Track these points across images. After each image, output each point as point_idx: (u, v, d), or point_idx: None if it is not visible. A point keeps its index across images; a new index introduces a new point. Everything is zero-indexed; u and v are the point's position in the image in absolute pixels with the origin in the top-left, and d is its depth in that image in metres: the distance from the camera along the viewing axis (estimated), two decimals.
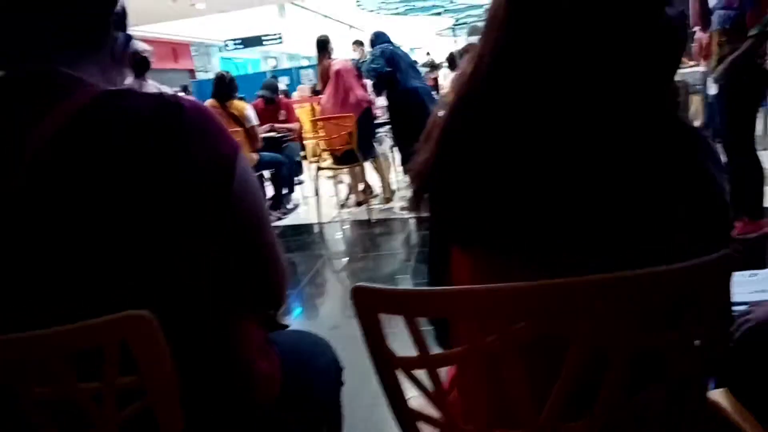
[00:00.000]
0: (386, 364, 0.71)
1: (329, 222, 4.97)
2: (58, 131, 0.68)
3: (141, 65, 3.62)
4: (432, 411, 0.72)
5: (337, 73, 4.83)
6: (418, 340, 0.67)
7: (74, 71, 0.74)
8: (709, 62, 3.10)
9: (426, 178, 0.80)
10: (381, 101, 5.07)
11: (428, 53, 4.97)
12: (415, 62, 5.03)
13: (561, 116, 0.68)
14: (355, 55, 6.17)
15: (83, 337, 0.70)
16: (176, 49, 18.36)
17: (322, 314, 3.12)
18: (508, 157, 0.71)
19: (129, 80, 0.80)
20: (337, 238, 4.65)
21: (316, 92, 7.59)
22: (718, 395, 0.92)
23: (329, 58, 5.36)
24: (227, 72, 5.14)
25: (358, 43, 6.31)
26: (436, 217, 0.81)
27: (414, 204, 0.83)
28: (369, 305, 0.68)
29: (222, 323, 0.83)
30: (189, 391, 0.76)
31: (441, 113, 0.81)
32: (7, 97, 0.73)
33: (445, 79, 7.51)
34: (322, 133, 4.75)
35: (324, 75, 5.23)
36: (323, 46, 5.40)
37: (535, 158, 0.69)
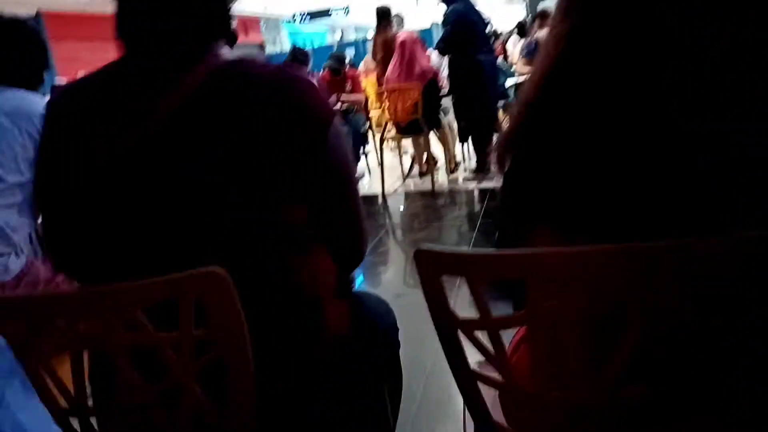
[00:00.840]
0: (448, 326, 0.72)
1: (393, 192, 4.99)
2: (201, 83, 0.85)
3: (232, 39, 3.79)
4: (493, 374, 0.73)
5: (402, 43, 4.79)
6: (480, 302, 0.68)
7: None
8: None
9: (518, 148, 0.78)
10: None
11: (488, 23, 4.79)
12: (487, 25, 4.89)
13: (636, 113, 0.66)
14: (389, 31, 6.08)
15: (161, 290, 0.75)
16: (246, 24, 18.68)
17: (385, 283, 3.16)
18: (589, 147, 0.68)
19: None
20: (400, 208, 4.67)
21: (351, 65, 7.49)
22: None
23: (391, 28, 5.32)
24: (298, 47, 5.24)
25: (396, 16, 6.22)
26: (518, 191, 0.78)
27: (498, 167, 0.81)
28: (431, 268, 0.69)
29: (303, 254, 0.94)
30: (266, 317, 0.88)
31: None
32: (158, 66, 0.90)
33: (515, 47, 7.29)
34: (386, 104, 4.74)
35: (384, 46, 5.18)
36: (384, 15, 5.35)
37: (611, 153, 0.66)
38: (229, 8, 0.96)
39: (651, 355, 0.63)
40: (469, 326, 0.70)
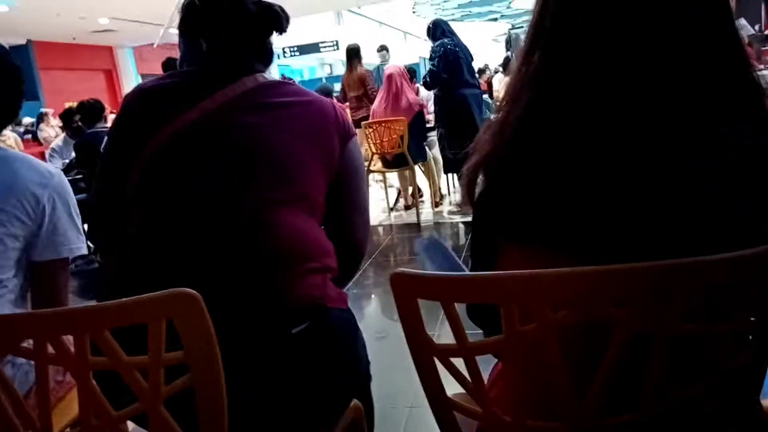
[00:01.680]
0: (423, 352, 0.70)
1: (378, 225, 4.98)
2: (242, 92, 1.07)
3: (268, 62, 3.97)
4: (472, 404, 0.71)
5: (390, 77, 4.86)
6: (456, 328, 0.67)
7: None
8: None
9: (486, 172, 0.78)
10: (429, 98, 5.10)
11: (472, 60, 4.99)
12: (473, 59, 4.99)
13: (630, 117, 0.66)
14: (378, 61, 6.33)
15: (132, 312, 0.73)
16: None
17: (369, 315, 3.12)
18: (579, 157, 0.68)
19: None
20: (385, 241, 4.65)
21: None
22: None
23: (361, 65, 5.58)
24: (286, 76, 5.27)
25: (382, 48, 6.46)
26: (493, 212, 0.77)
27: (467, 197, 0.82)
28: (408, 291, 0.68)
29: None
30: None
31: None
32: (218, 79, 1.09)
33: (500, 83, 7.43)
34: (373, 137, 4.77)
35: (360, 83, 5.36)
36: (354, 54, 5.58)
37: (606, 159, 0.66)
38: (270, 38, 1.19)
39: (634, 381, 0.62)
40: (444, 353, 0.69)
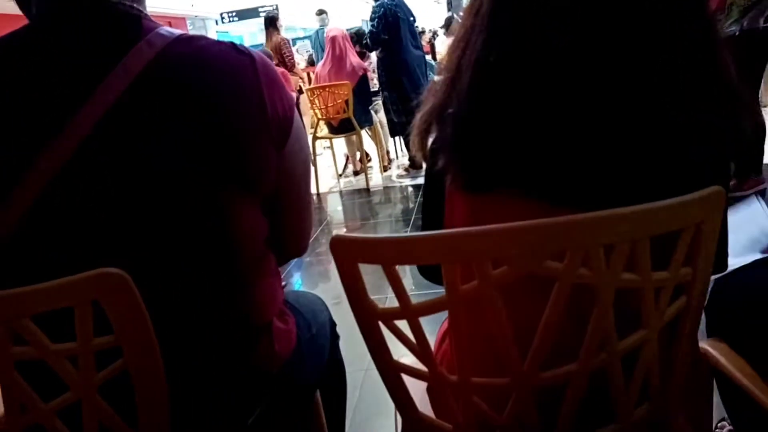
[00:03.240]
0: (367, 316, 0.69)
1: (328, 192, 4.94)
2: (147, 64, 0.75)
3: None
4: (419, 366, 0.70)
5: (333, 39, 4.75)
6: (398, 290, 0.65)
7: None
8: (720, 18, 2.98)
9: (439, 120, 0.75)
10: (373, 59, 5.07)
11: (414, 19, 4.95)
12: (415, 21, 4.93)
13: (583, 65, 0.64)
14: (317, 24, 6.32)
15: (54, 296, 0.68)
16: (172, 23, 18.11)
17: (322, 281, 3.11)
18: (536, 103, 0.65)
19: None
20: (336, 207, 4.62)
21: (311, 62, 7.51)
22: (711, 344, 0.90)
23: (278, 34, 5.61)
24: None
25: (321, 12, 6.43)
26: (446, 163, 0.74)
27: (420, 148, 0.80)
28: (347, 255, 0.66)
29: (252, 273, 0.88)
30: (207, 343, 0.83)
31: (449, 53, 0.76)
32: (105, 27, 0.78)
33: (443, 45, 7.38)
34: (318, 102, 4.68)
35: (275, 52, 5.40)
36: (270, 22, 5.60)
37: (560, 106, 0.64)
38: None
39: (575, 334, 0.62)
40: (387, 316, 0.67)
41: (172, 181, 0.75)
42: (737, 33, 2.80)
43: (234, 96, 0.78)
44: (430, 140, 0.77)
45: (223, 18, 17.51)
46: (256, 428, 0.92)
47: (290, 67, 5.59)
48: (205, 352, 0.85)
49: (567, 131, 0.64)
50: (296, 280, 3.14)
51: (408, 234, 0.63)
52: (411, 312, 0.65)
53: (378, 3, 4.60)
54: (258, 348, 0.90)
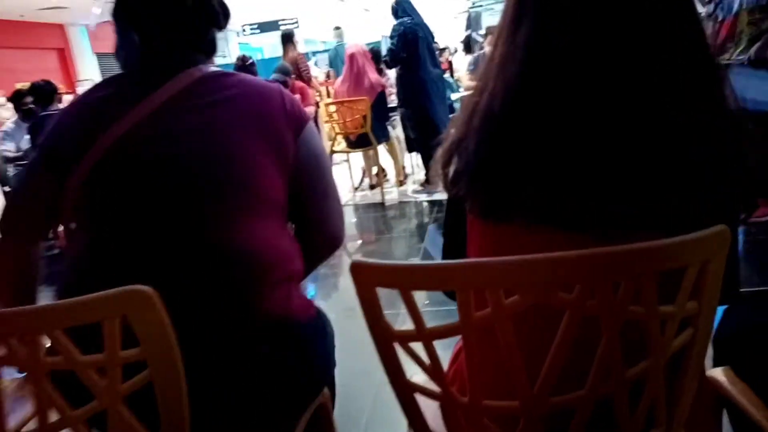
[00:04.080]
0: (384, 338, 0.71)
1: (344, 205, 4.96)
2: (177, 92, 1.00)
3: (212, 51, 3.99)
4: (432, 386, 0.73)
5: (351, 56, 4.81)
6: (414, 313, 0.68)
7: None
8: (730, 46, 2.98)
9: (461, 155, 0.78)
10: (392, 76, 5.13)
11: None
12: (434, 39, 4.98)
13: (606, 93, 0.67)
14: (334, 41, 6.48)
15: (85, 311, 0.72)
16: None
17: (336, 295, 3.14)
18: (557, 135, 0.69)
19: None
20: (351, 221, 4.65)
21: (328, 76, 7.60)
22: (718, 373, 0.91)
23: (295, 49, 5.76)
24: (246, 55, 5.19)
25: (337, 28, 6.54)
26: (467, 191, 0.78)
27: (443, 180, 0.84)
28: (367, 280, 0.69)
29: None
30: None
31: (469, 94, 0.81)
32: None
33: (461, 62, 7.43)
34: (336, 117, 4.74)
35: (291, 65, 5.54)
36: (287, 39, 5.73)
37: (593, 142, 0.68)
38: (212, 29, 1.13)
39: (584, 362, 0.64)
40: (403, 338, 0.70)
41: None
42: (745, 62, 2.79)
43: (266, 98, 1.05)
44: (452, 170, 0.80)
45: (244, 30, 17.72)
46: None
47: (307, 81, 5.70)
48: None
49: (576, 159, 0.68)
50: (311, 290, 3.17)
51: (425, 263, 0.66)
52: (425, 335, 0.67)
53: (398, 22, 4.65)
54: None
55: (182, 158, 0.96)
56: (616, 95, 0.67)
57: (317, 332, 1.10)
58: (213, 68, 1.07)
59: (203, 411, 0.85)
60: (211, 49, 1.12)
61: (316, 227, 1.13)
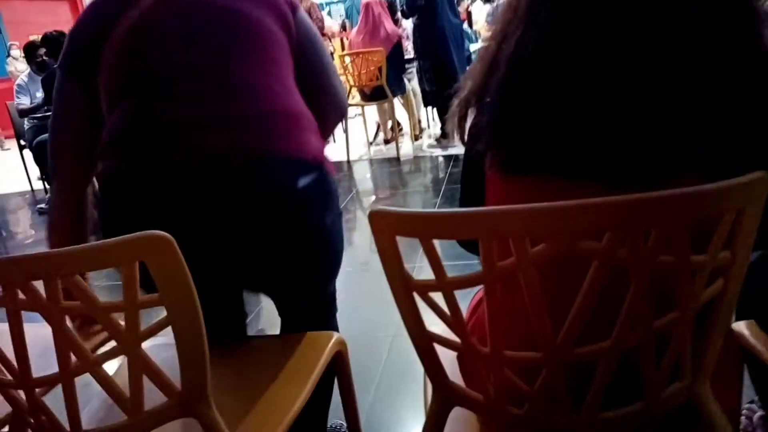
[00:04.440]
0: (403, 287, 0.70)
1: (358, 160, 4.95)
2: None
3: None
4: (452, 336, 0.72)
5: (367, 5, 4.70)
6: (434, 263, 0.66)
7: None
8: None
9: (481, 107, 0.78)
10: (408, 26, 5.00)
11: None
12: None
13: (629, 43, 0.65)
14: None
15: (103, 256, 0.71)
16: None
17: (351, 249, 3.15)
18: (579, 84, 0.67)
19: None
20: (365, 176, 4.63)
21: (344, 27, 7.45)
22: (742, 326, 0.89)
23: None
24: None
25: None
26: (485, 143, 0.77)
27: (458, 131, 0.84)
28: (386, 229, 0.67)
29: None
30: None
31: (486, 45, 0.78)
32: None
33: (480, 13, 7.23)
34: (350, 69, 4.66)
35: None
36: None
37: (615, 84, 0.66)
38: None
39: (609, 312, 0.62)
40: (423, 288, 0.69)
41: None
42: None
43: None
44: (468, 123, 0.79)
45: None
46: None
47: (319, 29, 5.63)
48: None
49: (595, 115, 0.66)
50: None
51: (447, 210, 0.64)
52: (446, 285, 0.66)
53: None
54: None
55: (212, 19, 1.06)
56: (647, 39, 0.64)
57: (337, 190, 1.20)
58: None
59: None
60: None
61: (325, 95, 1.23)
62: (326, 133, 1.24)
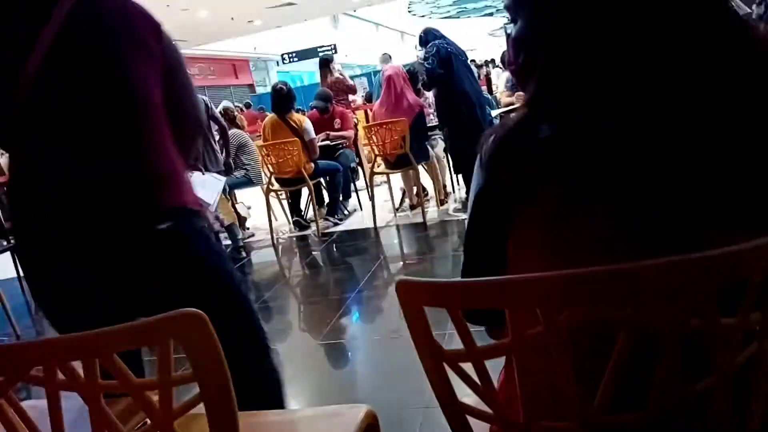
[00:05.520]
0: (433, 358, 0.70)
1: (385, 226, 4.99)
2: (67, 15, 1.12)
3: None
4: (484, 407, 0.71)
5: (389, 78, 4.86)
6: (463, 333, 0.66)
7: None
8: None
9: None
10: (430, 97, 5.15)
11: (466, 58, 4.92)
12: (468, 59, 4.99)
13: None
14: (377, 64, 6.71)
15: (138, 336, 0.73)
16: (236, 66, 18.95)
17: (380, 317, 3.13)
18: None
19: None
20: (393, 242, 4.66)
21: (368, 99, 7.69)
22: None
23: (332, 74, 6.11)
24: (284, 83, 5.27)
25: (385, 55, 6.72)
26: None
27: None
28: (413, 299, 0.68)
29: None
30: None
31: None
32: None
33: (498, 78, 7.40)
34: (375, 139, 4.78)
35: (332, 88, 5.75)
36: (325, 64, 5.92)
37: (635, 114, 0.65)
38: None
39: (643, 378, 0.61)
40: (453, 358, 0.68)
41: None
42: None
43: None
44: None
45: (284, 59, 18.18)
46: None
47: (352, 91, 5.99)
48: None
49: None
50: (354, 313, 3.17)
51: (474, 279, 0.65)
52: (476, 354, 0.66)
53: (430, 44, 4.69)
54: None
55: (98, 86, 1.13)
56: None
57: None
58: None
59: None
60: None
61: (186, 115, 1.31)
62: (186, 152, 1.33)
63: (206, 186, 4.29)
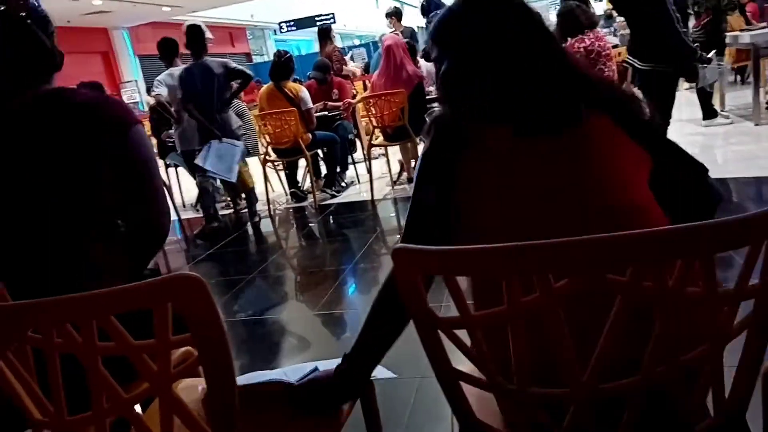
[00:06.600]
0: (427, 325, 0.71)
1: (382, 199, 4.98)
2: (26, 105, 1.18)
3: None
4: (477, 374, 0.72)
5: (388, 48, 4.79)
6: (458, 300, 0.67)
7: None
8: None
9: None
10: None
11: None
12: None
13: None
14: (389, 30, 6.44)
15: (135, 298, 0.74)
16: (233, 34, 18.67)
17: (375, 290, 3.14)
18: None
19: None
20: (390, 214, 4.66)
21: (367, 70, 7.60)
22: None
23: (332, 44, 6.04)
24: (286, 51, 5.20)
25: (394, 16, 6.48)
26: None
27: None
28: (409, 266, 0.68)
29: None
30: None
31: None
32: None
33: None
34: (373, 111, 4.74)
35: (327, 58, 5.70)
36: (325, 34, 5.83)
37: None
38: (52, 49, 1.27)
39: (635, 346, 0.62)
40: (447, 324, 0.69)
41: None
42: None
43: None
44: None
45: (281, 27, 17.91)
46: None
47: (338, 71, 5.86)
48: None
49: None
50: (351, 285, 3.19)
51: (469, 246, 0.65)
52: (471, 322, 0.67)
53: (432, 14, 4.62)
54: None
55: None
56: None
57: None
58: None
59: None
60: (47, 65, 1.27)
61: (148, 222, 1.27)
62: (141, 261, 1.30)
63: (223, 158, 4.27)
